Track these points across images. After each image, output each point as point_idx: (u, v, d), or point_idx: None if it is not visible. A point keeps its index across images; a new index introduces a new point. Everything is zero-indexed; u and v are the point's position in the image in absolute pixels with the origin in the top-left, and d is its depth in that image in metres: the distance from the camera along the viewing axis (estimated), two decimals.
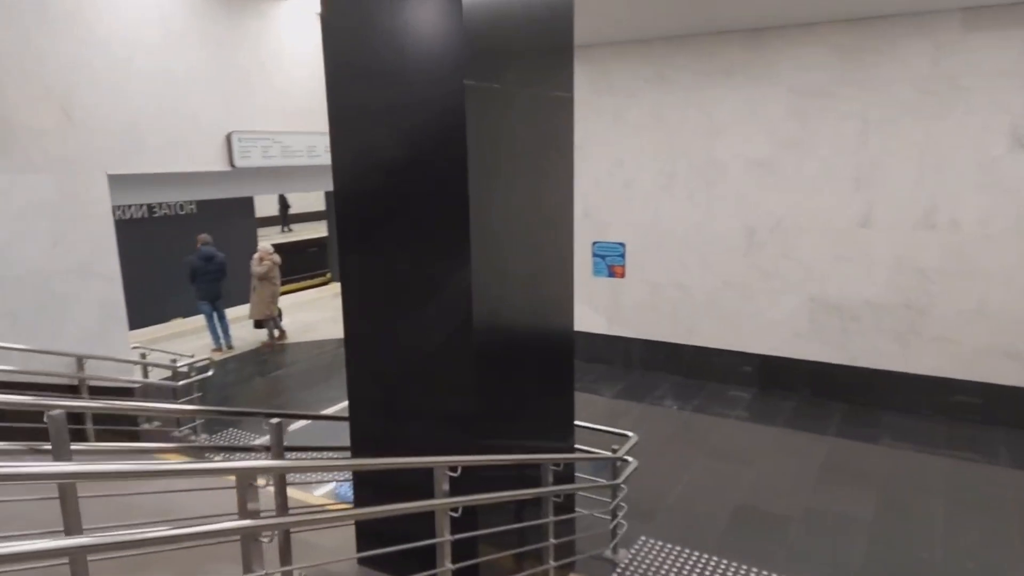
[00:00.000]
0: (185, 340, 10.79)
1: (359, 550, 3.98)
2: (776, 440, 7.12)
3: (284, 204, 21.46)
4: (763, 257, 8.16)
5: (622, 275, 9.09)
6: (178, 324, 11.69)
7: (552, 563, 4.07)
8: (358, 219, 3.56)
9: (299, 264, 15.75)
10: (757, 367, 8.45)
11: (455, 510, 3.17)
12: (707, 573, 4.82)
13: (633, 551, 5.11)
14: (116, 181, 6.22)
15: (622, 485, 4.93)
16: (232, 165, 7.12)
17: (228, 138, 7.09)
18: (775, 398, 8.18)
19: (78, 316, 6.07)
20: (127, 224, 11.39)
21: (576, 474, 5.25)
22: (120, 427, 6.18)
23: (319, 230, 18.86)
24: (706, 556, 5.03)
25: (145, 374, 7.20)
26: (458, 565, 3.20)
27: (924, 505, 5.70)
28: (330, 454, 5.24)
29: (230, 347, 10.50)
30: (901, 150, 7.24)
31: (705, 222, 8.43)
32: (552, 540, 4.04)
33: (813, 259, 7.90)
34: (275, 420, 3.63)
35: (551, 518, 4.00)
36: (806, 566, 4.87)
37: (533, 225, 3.77)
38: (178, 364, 6.86)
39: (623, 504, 5.06)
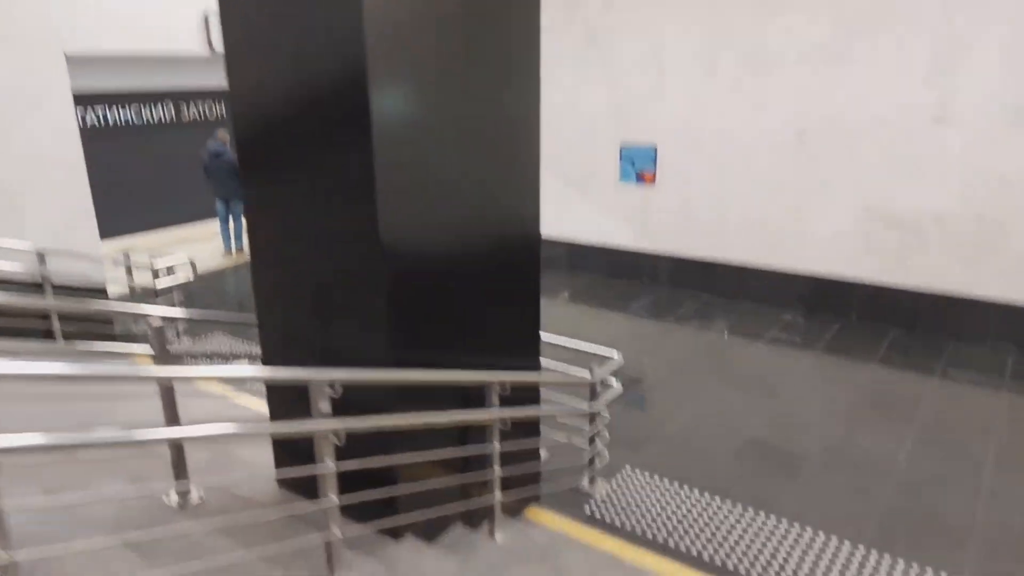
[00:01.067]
0: (199, 245, 10.52)
1: (277, 467, 3.53)
2: (811, 367, 6.27)
3: None
4: (815, 162, 7.06)
5: (652, 182, 8.15)
6: (196, 229, 11.42)
7: (499, 496, 3.49)
8: (259, 124, 3.03)
9: None
10: (801, 289, 7.49)
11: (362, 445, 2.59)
12: (695, 512, 4.18)
13: (614, 484, 4.50)
14: (77, 63, 5.70)
15: (602, 412, 4.28)
16: (211, 49, 6.50)
17: (206, 18, 6.44)
18: (817, 323, 7.26)
19: (39, 209, 5.71)
20: (153, 129, 11.01)
21: (556, 399, 4.63)
22: (93, 329, 5.90)
23: None
24: (698, 492, 4.37)
25: (129, 276, 6.90)
26: (381, 497, 2.65)
27: (972, 449, 4.83)
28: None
29: (240, 251, 10.13)
30: (991, 28, 5.93)
31: (750, 121, 7.34)
32: (498, 470, 3.45)
33: (874, 164, 6.76)
34: (156, 323, 3.12)
35: (495, 445, 3.40)
36: (815, 512, 4.16)
37: (476, 127, 3.14)
38: (156, 266, 6.50)
39: (604, 432, 4.42)
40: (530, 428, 3.93)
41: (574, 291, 8.47)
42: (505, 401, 3.42)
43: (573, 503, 4.29)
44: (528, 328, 3.84)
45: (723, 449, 4.90)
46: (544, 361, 4.52)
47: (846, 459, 4.75)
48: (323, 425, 2.53)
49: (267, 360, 3.43)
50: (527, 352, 3.82)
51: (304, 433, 2.76)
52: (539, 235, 3.72)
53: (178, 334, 6.56)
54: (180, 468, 3.24)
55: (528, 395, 3.81)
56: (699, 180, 7.82)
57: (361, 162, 2.66)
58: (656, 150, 8.01)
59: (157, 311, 4.57)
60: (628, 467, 4.68)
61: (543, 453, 4.63)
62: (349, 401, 3.03)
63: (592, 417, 4.31)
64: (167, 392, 3.12)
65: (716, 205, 7.77)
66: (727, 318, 7.46)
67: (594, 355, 4.53)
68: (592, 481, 4.44)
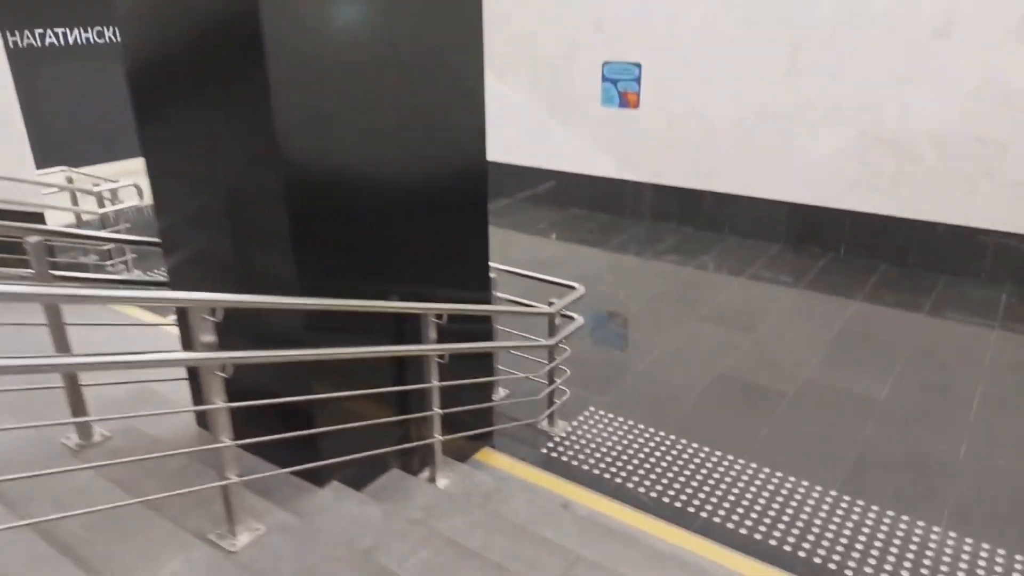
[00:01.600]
0: None
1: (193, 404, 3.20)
2: (793, 303, 5.93)
3: None
4: (808, 79, 6.54)
5: (636, 104, 7.62)
6: None
7: (439, 436, 3.18)
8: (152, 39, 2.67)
9: None
10: (788, 218, 7.09)
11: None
12: (657, 454, 3.90)
13: (575, 424, 4.21)
14: None
15: (561, 346, 3.95)
16: None
17: None
18: (804, 256, 6.89)
19: None
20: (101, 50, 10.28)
21: (518, 336, 4.30)
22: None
23: None
24: (662, 434, 4.09)
25: (74, 202, 6.46)
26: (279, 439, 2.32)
27: (958, 387, 4.54)
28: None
29: None
30: None
31: (740, 34, 6.77)
32: (438, 409, 3.13)
33: (870, 82, 6.25)
34: (33, 239, 2.73)
35: (433, 383, 3.07)
36: (786, 455, 3.88)
37: (397, 40, 2.69)
38: (100, 188, 6.05)
39: (564, 368, 4.10)
40: (481, 365, 3.60)
41: (553, 223, 8.06)
42: (450, 335, 3.07)
43: (531, 444, 4.00)
44: (475, 258, 3.46)
45: (694, 387, 4.60)
46: (507, 296, 4.18)
47: (823, 398, 4.46)
48: (204, 356, 2.18)
49: (174, 285, 3.06)
50: (474, 284, 3.45)
51: (187, 362, 2.42)
52: (485, 161, 3.30)
53: (127, 265, 6.18)
54: (77, 404, 2.91)
55: (477, 329, 3.46)
56: (684, 102, 7.30)
57: (256, 78, 2.27)
58: (640, 68, 7.45)
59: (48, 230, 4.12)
60: (592, 407, 4.38)
61: (500, 391, 4.33)
62: (256, 331, 2.69)
63: (550, 352, 3.98)
64: (53, 314, 2.76)
65: (702, 130, 7.28)
66: (708, 252, 7.08)
67: (559, 287, 4.16)
68: (551, 420, 4.14)
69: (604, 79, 7.72)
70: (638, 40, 7.38)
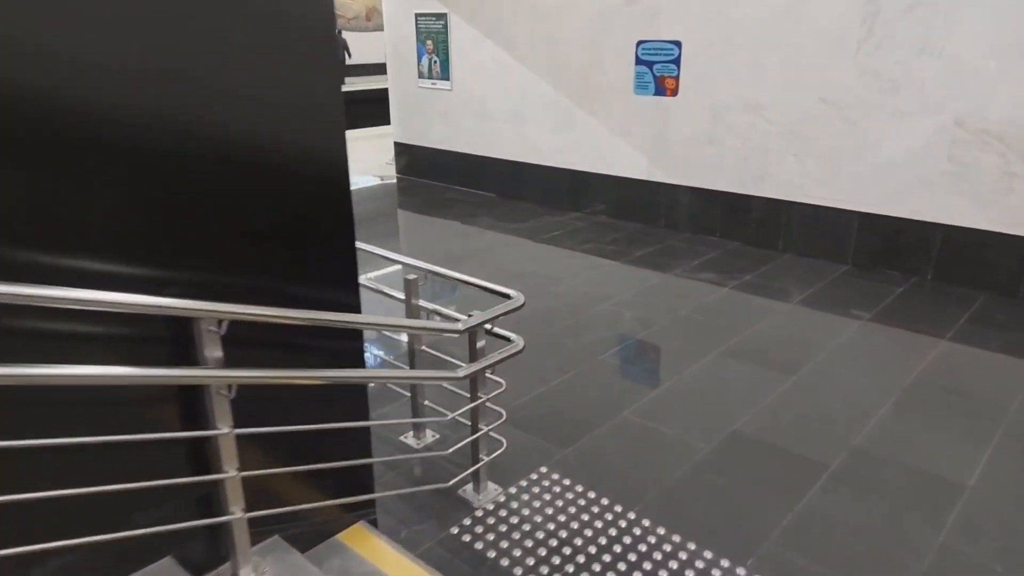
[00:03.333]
0: None
1: None
2: (856, 338, 4.52)
3: (341, 52, 20.50)
4: (885, 56, 5.15)
5: (674, 92, 6.37)
6: None
7: (239, 511, 2.07)
8: None
9: (358, 114, 14.58)
10: (858, 232, 5.65)
11: None
12: (619, 547, 2.65)
13: (514, 490, 3.01)
14: None
15: (493, 377, 2.80)
16: None
17: None
18: (878, 280, 5.43)
19: None
20: None
21: (434, 354, 3.17)
22: None
23: (380, 83, 17.14)
24: (632, 515, 2.83)
25: None
26: None
27: None
28: None
29: None
30: None
31: (798, 3, 5.45)
32: (233, 471, 2.02)
33: (969, 56, 4.81)
34: None
35: (221, 430, 1.96)
36: (816, 564, 2.56)
37: None
38: None
39: (498, 410, 2.93)
40: (345, 402, 2.47)
41: (568, 232, 6.87)
42: (267, 353, 1.98)
43: (440, 517, 2.83)
44: (320, 239, 2.32)
45: (697, 446, 3.32)
46: (430, 306, 3.08)
47: (882, 476, 3.09)
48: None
49: None
50: (321, 281, 2.32)
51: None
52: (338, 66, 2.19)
53: None
54: None
55: (336, 348, 2.34)
56: (731, 88, 6.00)
57: None
58: (680, 48, 6.21)
59: None
60: (545, 467, 3.17)
61: (427, 435, 3.21)
62: None
63: (472, 385, 2.81)
64: None
65: (752, 122, 5.95)
66: (753, 271, 5.71)
67: (497, 295, 3.00)
68: (477, 484, 2.96)
69: (638, 61, 6.52)
70: (677, 13, 6.15)
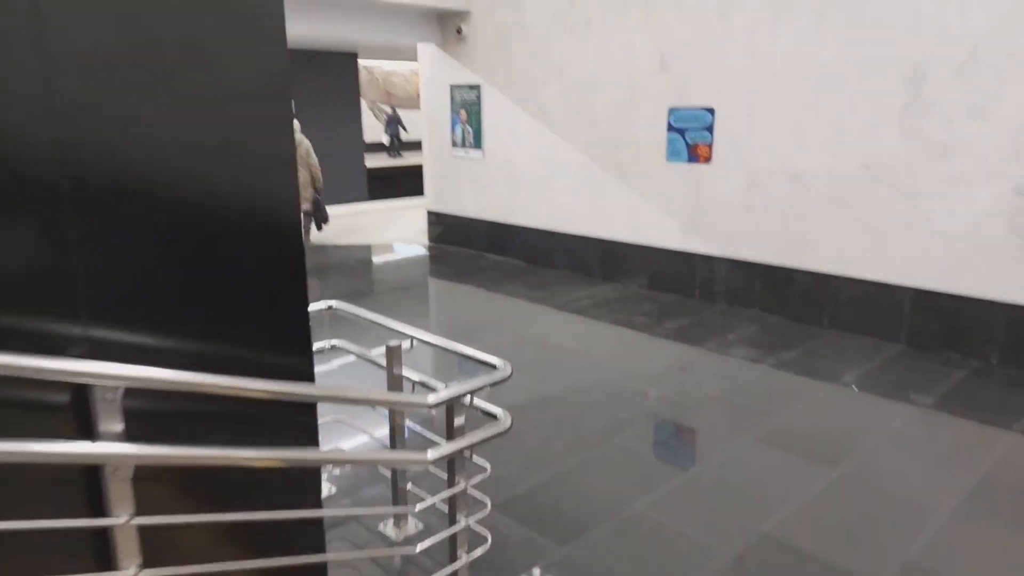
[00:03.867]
0: None
1: None
2: (910, 428, 4.00)
3: (395, 127, 21.39)
4: (934, 120, 4.79)
5: (708, 158, 6.10)
6: None
7: None
8: None
9: (408, 187, 15.08)
10: (911, 309, 5.16)
11: None
12: None
13: None
14: None
15: (478, 459, 2.46)
16: None
17: None
18: (936, 362, 4.90)
19: None
20: None
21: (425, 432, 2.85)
22: None
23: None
24: None
25: None
26: None
27: None
28: None
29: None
30: None
31: (840, 62, 5.18)
32: (134, 568, 1.71)
33: None
34: None
35: (122, 519, 1.66)
36: None
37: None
38: None
39: (482, 500, 2.57)
40: (294, 486, 2.15)
41: (597, 302, 6.54)
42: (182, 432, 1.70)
43: None
44: (264, 297, 2.05)
45: (716, 552, 2.85)
46: (415, 377, 2.79)
47: None
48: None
49: None
50: (268, 343, 2.04)
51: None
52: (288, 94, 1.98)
53: None
54: None
55: (284, 421, 2.04)
56: (769, 154, 5.70)
57: None
58: (713, 114, 5.97)
59: None
60: (538, 570, 2.75)
61: (391, 529, 2.85)
62: None
63: (449, 469, 2.46)
64: None
65: (792, 189, 5.61)
66: (794, 348, 5.25)
67: (483, 364, 2.68)
68: None
69: (670, 128, 6.30)
70: (711, 79, 5.95)
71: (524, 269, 7.78)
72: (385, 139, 21.74)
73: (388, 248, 9.37)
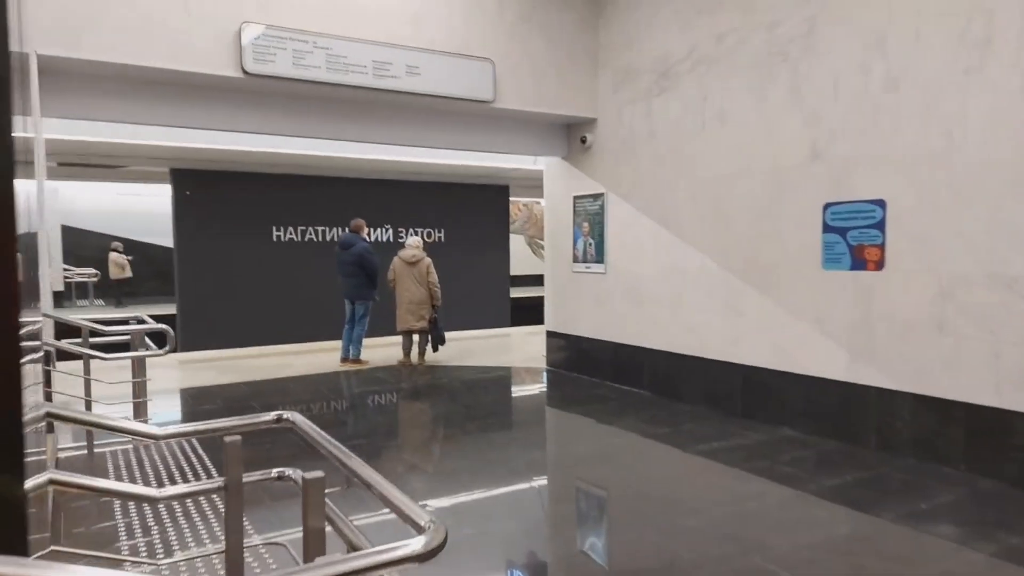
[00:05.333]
0: (321, 355, 9.22)
1: None
2: None
3: None
4: None
5: (879, 264, 4.74)
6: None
7: None
8: None
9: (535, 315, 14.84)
10: None
11: None
12: None
13: None
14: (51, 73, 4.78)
15: None
16: (244, 71, 5.28)
17: (239, 32, 5.29)
18: None
19: None
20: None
21: None
22: None
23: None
24: None
25: None
26: None
27: None
28: None
29: (357, 360, 8.54)
30: None
31: None
32: None
33: None
34: None
35: None
36: None
37: None
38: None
39: None
40: None
41: (732, 445, 5.12)
42: None
43: None
44: None
45: None
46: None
47: None
48: None
49: None
50: None
51: None
52: None
53: None
54: None
55: None
56: (966, 255, 4.26)
57: None
58: (884, 208, 4.68)
59: None
60: None
61: None
62: None
63: None
64: None
65: (1004, 300, 4.09)
66: (1019, 528, 3.53)
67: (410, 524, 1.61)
68: None
69: (827, 228, 5.06)
70: (879, 165, 4.72)
71: (648, 400, 6.51)
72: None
73: (503, 372, 8.52)
